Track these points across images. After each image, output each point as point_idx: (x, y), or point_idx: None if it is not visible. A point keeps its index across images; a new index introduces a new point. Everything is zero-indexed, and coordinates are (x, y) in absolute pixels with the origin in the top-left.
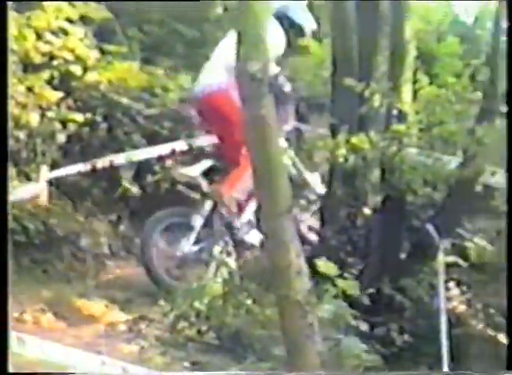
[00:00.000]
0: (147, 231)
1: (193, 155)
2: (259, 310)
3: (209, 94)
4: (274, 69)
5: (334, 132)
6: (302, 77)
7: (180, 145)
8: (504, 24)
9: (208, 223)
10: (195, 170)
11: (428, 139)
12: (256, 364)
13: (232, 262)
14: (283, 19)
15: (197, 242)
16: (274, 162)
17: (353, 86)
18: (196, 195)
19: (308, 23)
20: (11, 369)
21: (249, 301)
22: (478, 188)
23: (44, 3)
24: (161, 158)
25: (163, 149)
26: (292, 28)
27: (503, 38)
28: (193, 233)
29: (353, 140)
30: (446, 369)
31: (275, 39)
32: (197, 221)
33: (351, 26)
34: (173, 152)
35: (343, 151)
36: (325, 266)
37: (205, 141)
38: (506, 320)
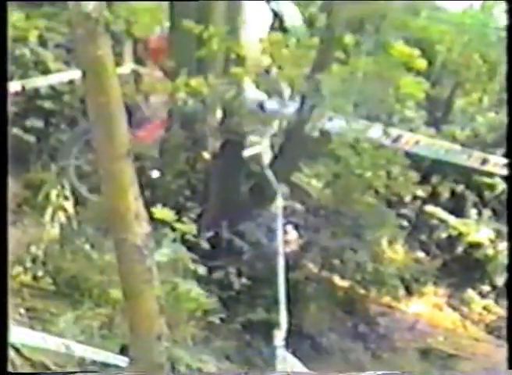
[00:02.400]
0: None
1: (27, 97)
2: (97, 255)
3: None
4: None
5: (173, 75)
6: (139, 19)
7: (14, 86)
8: None
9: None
10: None
11: (267, 83)
12: (93, 310)
13: (69, 206)
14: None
15: None
16: (111, 104)
17: (191, 28)
18: (31, 138)
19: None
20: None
21: (87, 246)
22: (316, 133)
23: None
24: None
25: None
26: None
27: None
28: None
29: (193, 83)
30: (283, 310)
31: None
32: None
33: None
34: None
35: (182, 94)
36: (160, 212)
37: (39, 82)
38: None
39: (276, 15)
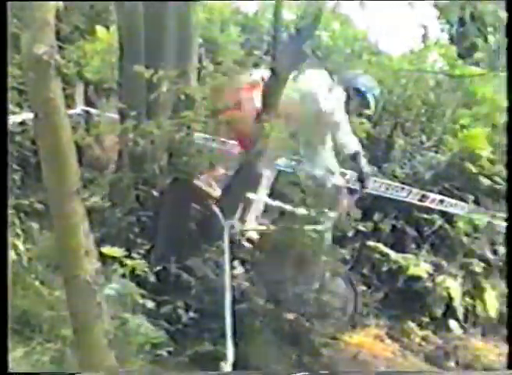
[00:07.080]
0: None
1: None
2: (47, 291)
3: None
4: None
5: (123, 117)
6: (89, 62)
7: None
8: (284, 15)
9: None
10: None
11: (215, 124)
12: (43, 345)
13: (20, 243)
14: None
15: None
16: (62, 144)
17: (141, 72)
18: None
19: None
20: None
21: (37, 283)
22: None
23: None
24: None
25: None
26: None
27: (283, 28)
28: None
29: (143, 125)
30: (229, 343)
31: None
32: None
33: (138, 12)
34: None
35: (131, 135)
36: (109, 251)
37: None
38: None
39: None
